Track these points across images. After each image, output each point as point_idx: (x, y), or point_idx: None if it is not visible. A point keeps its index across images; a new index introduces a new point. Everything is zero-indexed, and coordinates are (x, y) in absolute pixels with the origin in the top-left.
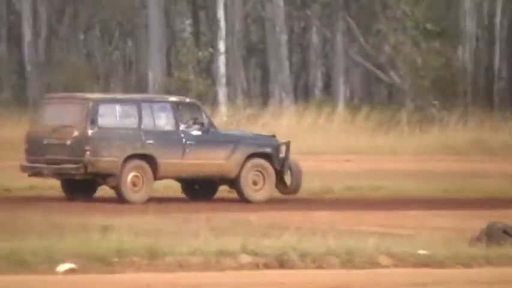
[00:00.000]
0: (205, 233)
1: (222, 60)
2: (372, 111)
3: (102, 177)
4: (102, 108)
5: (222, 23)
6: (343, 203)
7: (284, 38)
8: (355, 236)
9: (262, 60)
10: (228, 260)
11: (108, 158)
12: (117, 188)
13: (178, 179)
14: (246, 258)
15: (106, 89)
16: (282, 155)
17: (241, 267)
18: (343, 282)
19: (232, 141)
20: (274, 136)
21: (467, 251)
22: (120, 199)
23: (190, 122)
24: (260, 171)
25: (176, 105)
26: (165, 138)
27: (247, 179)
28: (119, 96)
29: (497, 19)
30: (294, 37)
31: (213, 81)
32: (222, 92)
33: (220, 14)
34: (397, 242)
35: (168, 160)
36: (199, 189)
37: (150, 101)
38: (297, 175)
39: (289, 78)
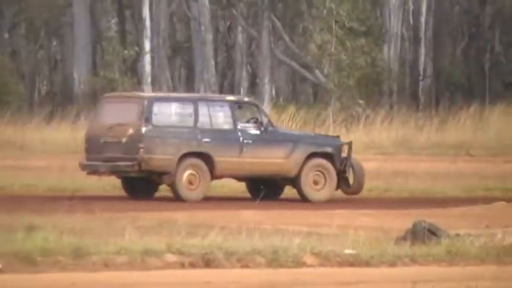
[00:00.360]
0: (131, 232)
1: (147, 59)
2: (298, 110)
3: (158, 175)
4: (157, 107)
5: (148, 22)
6: (269, 202)
7: (209, 37)
8: (281, 235)
9: (188, 60)
10: (153, 259)
11: (162, 156)
12: (172, 186)
13: (238, 178)
14: (171, 258)
15: (31, 89)
16: (344, 155)
17: (167, 266)
18: (268, 281)
19: (292, 140)
20: (338, 136)
21: (392, 250)
22: (176, 197)
23: (249, 121)
24: (321, 171)
25: (234, 104)
26: (222, 136)
27: (307, 178)
28: (175, 94)
29: (422, 18)
30: (219, 36)
31: (138, 80)
32: (147, 91)
33: (146, 13)
34: (322, 241)
35: (225, 158)
36: (264, 189)
37: (207, 100)
38: (359, 175)
39: (214, 78)
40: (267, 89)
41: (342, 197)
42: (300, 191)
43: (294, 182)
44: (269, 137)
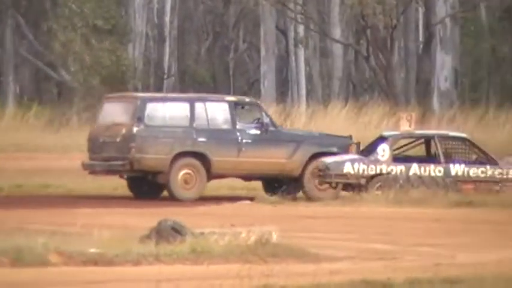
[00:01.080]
0: None
1: None
2: (43, 109)
3: (152, 174)
4: (151, 107)
5: None
6: (12, 201)
7: None
8: (25, 235)
9: None
10: None
11: (154, 156)
12: (167, 186)
13: (241, 178)
14: None
15: None
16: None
17: None
18: (12, 280)
19: (295, 140)
20: (348, 136)
21: (137, 249)
22: (171, 197)
23: (251, 121)
24: None
25: (234, 105)
26: (220, 136)
27: (311, 178)
28: (172, 95)
29: (167, 17)
30: None
31: None
32: None
33: None
34: (67, 240)
35: (222, 158)
36: (282, 187)
37: (205, 100)
38: None
39: None
40: (11, 87)
41: (89, 195)
42: (303, 191)
43: (298, 181)
44: (270, 137)
